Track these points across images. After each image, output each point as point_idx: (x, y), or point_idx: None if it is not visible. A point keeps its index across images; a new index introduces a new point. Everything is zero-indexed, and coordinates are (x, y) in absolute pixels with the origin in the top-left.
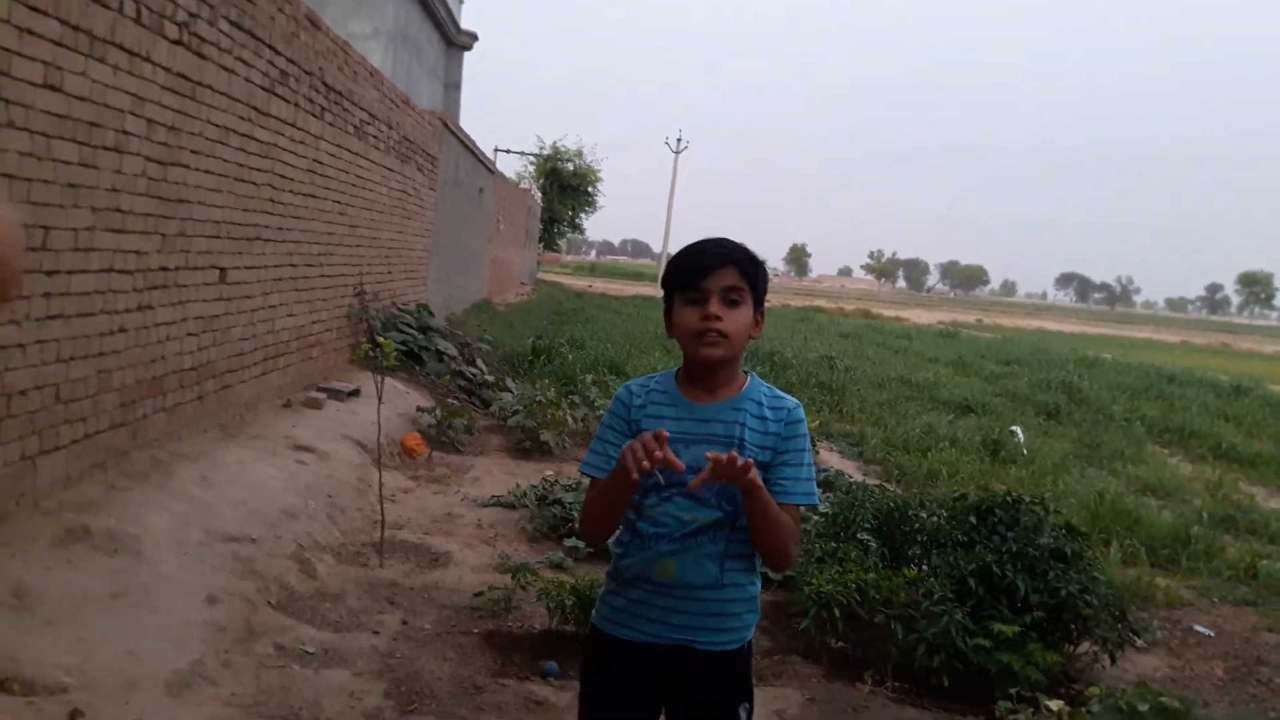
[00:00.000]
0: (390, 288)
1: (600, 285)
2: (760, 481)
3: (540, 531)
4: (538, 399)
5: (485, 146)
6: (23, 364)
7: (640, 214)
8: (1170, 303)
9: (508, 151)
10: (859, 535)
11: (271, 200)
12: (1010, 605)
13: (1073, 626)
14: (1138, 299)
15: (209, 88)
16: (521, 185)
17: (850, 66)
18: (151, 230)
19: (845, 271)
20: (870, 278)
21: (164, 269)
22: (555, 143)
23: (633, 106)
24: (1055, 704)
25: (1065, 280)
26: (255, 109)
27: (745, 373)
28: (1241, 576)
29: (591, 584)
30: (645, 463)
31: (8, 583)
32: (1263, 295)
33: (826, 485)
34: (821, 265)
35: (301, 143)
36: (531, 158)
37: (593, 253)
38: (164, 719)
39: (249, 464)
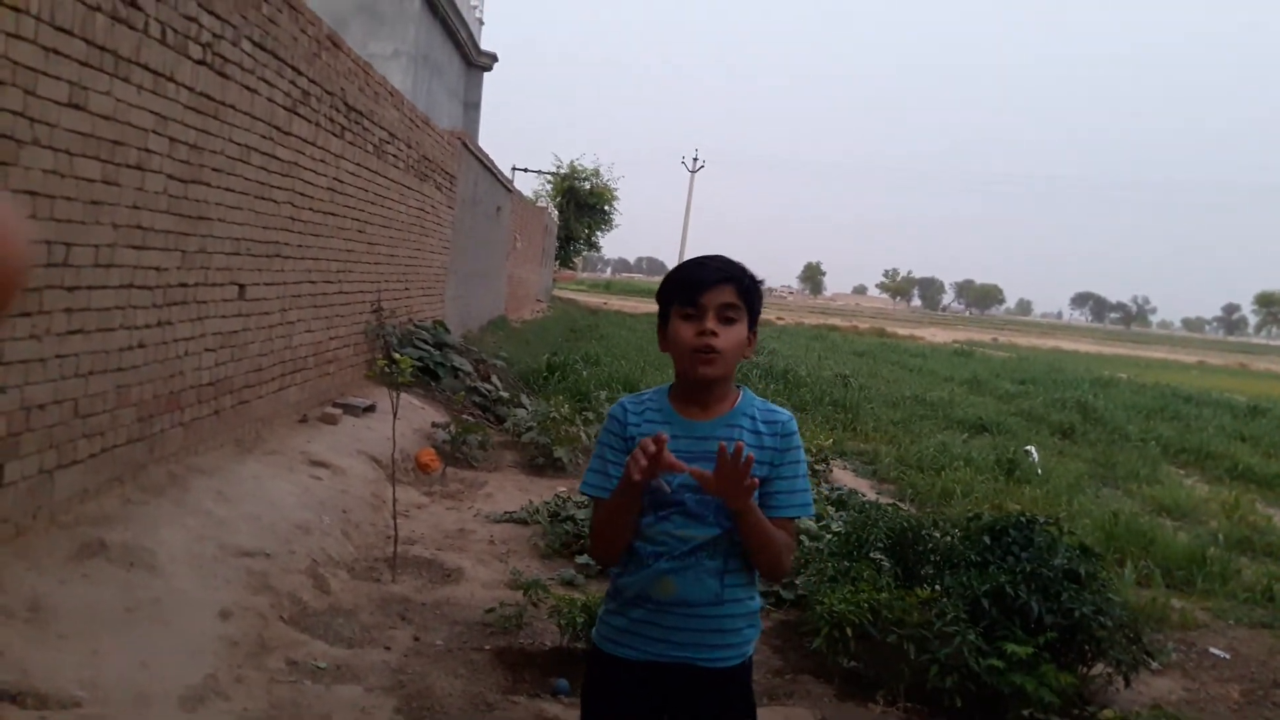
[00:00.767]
0: (407, 304)
1: (615, 302)
2: (754, 504)
3: (552, 548)
4: (552, 415)
5: (503, 165)
6: (43, 378)
7: (656, 232)
8: (1187, 323)
9: (525, 170)
10: (872, 554)
11: (291, 218)
12: (1024, 626)
13: (1087, 648)
14: (1154, 319)
15: (231, 107)
16: (539, 204)
17: (867, 87)
18: (172, 247)
19: (860, 290)
20: (885, 296)
21: (184, 285)
22: (572, 162)
23: (649, 126)
24: None
25: (1081, 299)
26: (277, 128)
27: (737, 387)
28: (1258, 599)
29: (594, 602)
30: (644, 462)
31: (23, 596)
32: None
33: (839, 504)
34: (836, 283)
35: (322, 161)
36: (549, 176)
37: (608, 270)
38: None
39: (265, 479)
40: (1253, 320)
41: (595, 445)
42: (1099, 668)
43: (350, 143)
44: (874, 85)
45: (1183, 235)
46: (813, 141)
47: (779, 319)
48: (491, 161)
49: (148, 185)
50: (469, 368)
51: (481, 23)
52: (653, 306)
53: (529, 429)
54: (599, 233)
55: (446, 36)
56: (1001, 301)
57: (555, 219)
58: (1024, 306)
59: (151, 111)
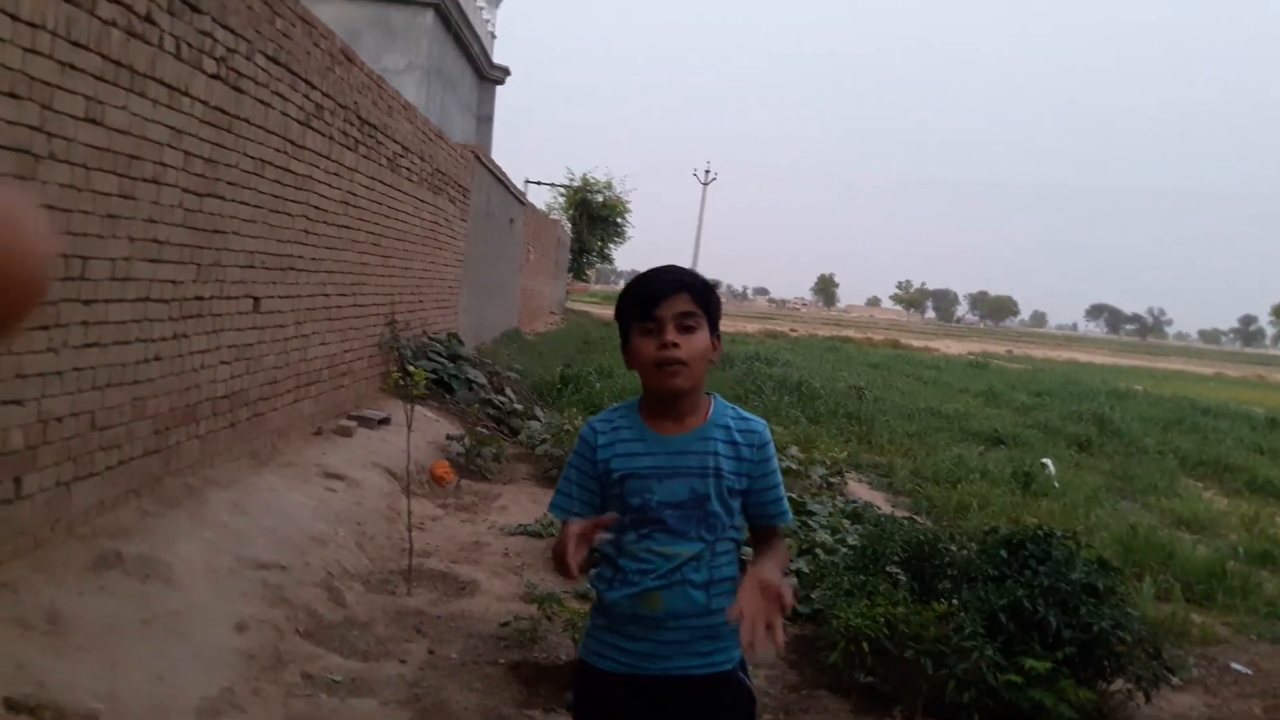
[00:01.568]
0: (421, 317)
1: None
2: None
3: None
4: (565, 428)
5: (516, 178)
6: (59, 391)
7: (668, 244)
8: (1203, 334)
9: (538, 183)
10: (888, 568)
11: (306, 231)
12: (1042, 641)
13: (1106, 663)
14: (1170, 330)
15: (246, 121)
16: (551, 216)
17: (879, 99)
18: (187, 260)
19: (874, 302)
20: (899, 308)
21: (199, 298)
22: (585, 174)
23: (662, 138)
24: None
25: (1096, 311)
26: (291, 141)
27: (708, 394)
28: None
29: (581, 615)
30: (576, 558)
31: (41, 608)
32: None
33: (855, 517)
34: (850, 295)
35: (336, 174)
36: (561, 189)
37: (621, 282)
38: None
39: (280, 491)
40: (1270, 332)
41: (566, 466)
42: (1118, 683)
43: (364, 156)
44: (887, 97)
45: (1199, 246)
46: (825, 153)
47: (792, 330)
48: (504, 174)
49: (163, 199)
50: (483, 380)
51: (494, 36)
52: None
53: (543, 441)
54: (611, 245)
55: (459, 50)
56: (1016, 313)
57: (568, 231)
58: (1039, 318)
59: (167, 126)
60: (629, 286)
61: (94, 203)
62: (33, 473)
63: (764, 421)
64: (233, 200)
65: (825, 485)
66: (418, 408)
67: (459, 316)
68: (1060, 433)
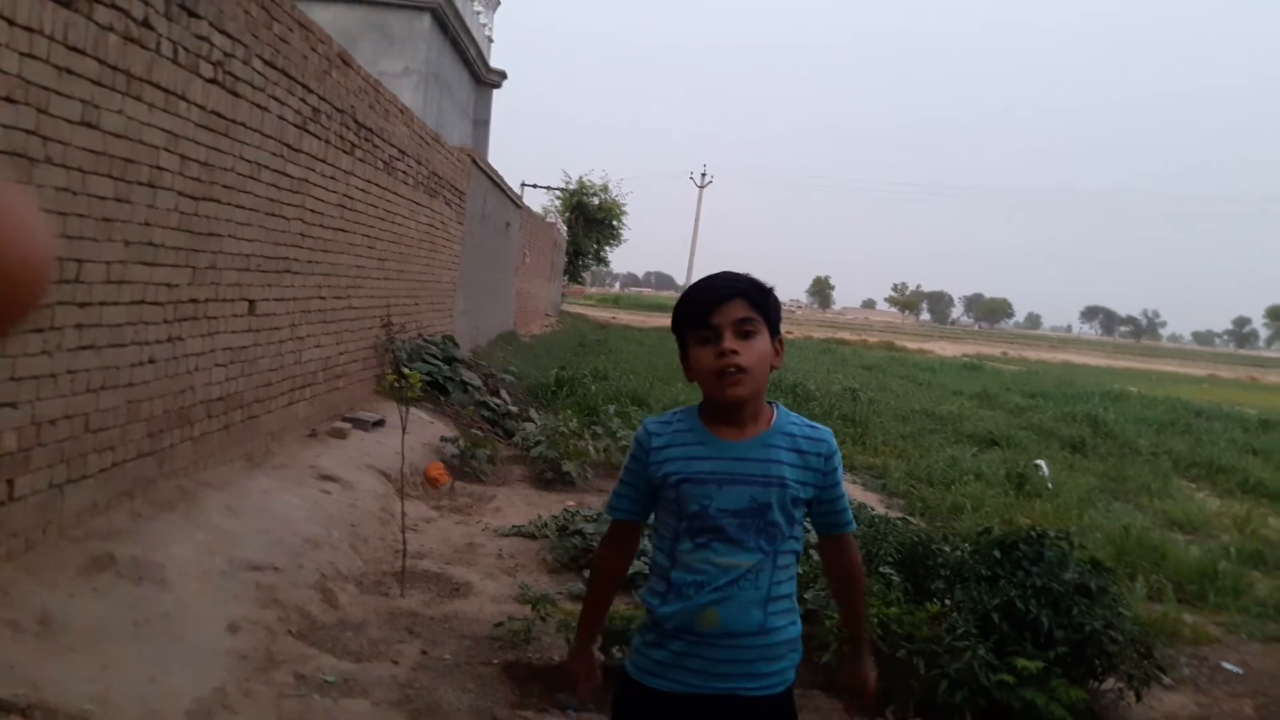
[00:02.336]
0: (417, 319)
1: (624, 317)
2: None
3: (561, 562)
4: (560, 430)
5: (512, 181)
6: (53, 394)
7: (664, 246)
8: (1197, 336)
9: (534, 186)
10: (881, 569)
11: (301, 234)
12: (1034, 641)
13: (1097, 663)
14: (1164, 332)
15: (242, 125)
16: (547, 219)
17: (874, 103)
18: (183, 263)
19: (869, 304)
20: (894, 310)
21: (194, 301)
22: (581, 177)
23: (658, 142)
24: None
25: (1090, 313)
26: (287, 145)
27: (770, 404)
28: (1271, 613)
29: (611, 616)
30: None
31: (33, 610)
32: None
33: None
34: (845, 297)
35: (332, 178)
36: (558, 192)
37: (616, 284)
38: None
39: (274, 493)
40: (1263, 333)
41: (623, 469)
42: (1110, 683)
43: (360, 160)
44: (883, 99)
45: (1193, 248)
46: (820, 156)
47: (788, 333)
48: (500, 178)
49: (159, 202)
50: (478, 382)
51: (491, 40)
52: (661, 320)
53: (538, 443)
54: (608, 248)
55: (456, 54)
56: (1010, 315)
57: (564, 234)
58: (1033, 320)
59: (163, 129)
60: (684, 297)
61: (89, 206)
62: (25, 475)
63: (830, 430)
64: (228, 203)
65: None
66: (412, 410)
67: (454, 319)
68: (1054, 434)
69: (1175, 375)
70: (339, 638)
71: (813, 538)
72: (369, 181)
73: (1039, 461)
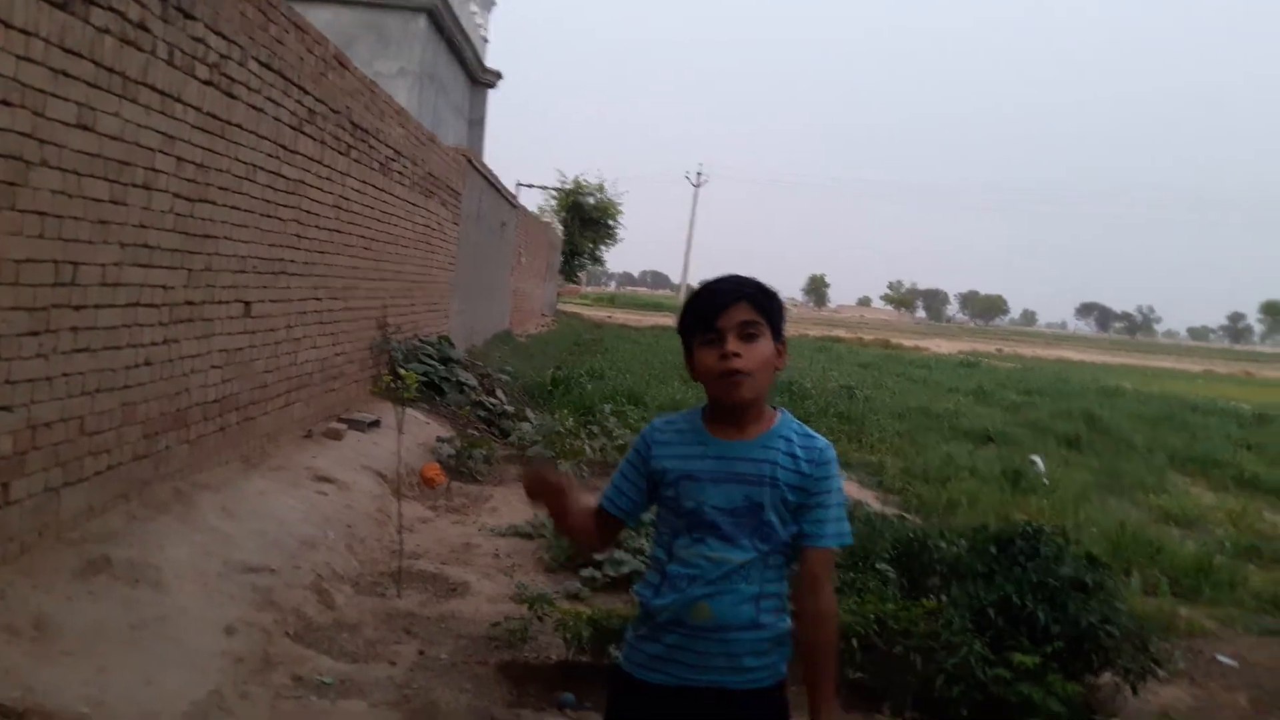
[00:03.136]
0: (412, 320)
1: (620, 316)
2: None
3: (557, 561)
4: (556, 429)
5: (508, 181)
6: (49, 397)
7: (660, 245)
8: (1192, 331)
9: (530, 186)
10: (878, 565)
11: (297, 235)
12: (1030, 636)
13: (1094, 657)
14: (1159, 328)
15: (238, 126)
16: (543, 219)
17: (869, 101)
18: (178, 265)
19: (864, 302)
20: (889, 308)
21: (190, 303)
22: (577, 177)
23: (654, 141)
24: None
25: (1085, 310)
26: (283, 146)
27: (774, 408)
28: (1266, 606)
29: (609, 614)
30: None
31: (28, 613)
32: None
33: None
34: (840, 295)
35: (328, 179)
36: (553, 192)
37: (612, 284)
38: None
39: (270, 495)
40: (1258, 329)
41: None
42: (1106, 677)
43: (356, 160)
44: (875, 97)
45: (1187, 244)
46: (816, 154)
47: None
48: (496, 178)
49: (154, 204)
50: (474, 382)
51: (486, 40)
52: (656, 319)
53: (534, 443)
54: (603, 247)
55: (451, 55)
56: (1006, 312)
57: (560, 234)
58: (1028, 317)
59: (159, 131)
60: (689, 299)
61: (85, 209)
62: (21, 478)
63: (829, 441)
64: (224, 205)
65: None
66: (408, 410)
67: (450, 319)
68: (1049, 430)
69: (1170, 371)
70: (336, 639)
71: None
72: (365, 182)
73: (1034, 458)
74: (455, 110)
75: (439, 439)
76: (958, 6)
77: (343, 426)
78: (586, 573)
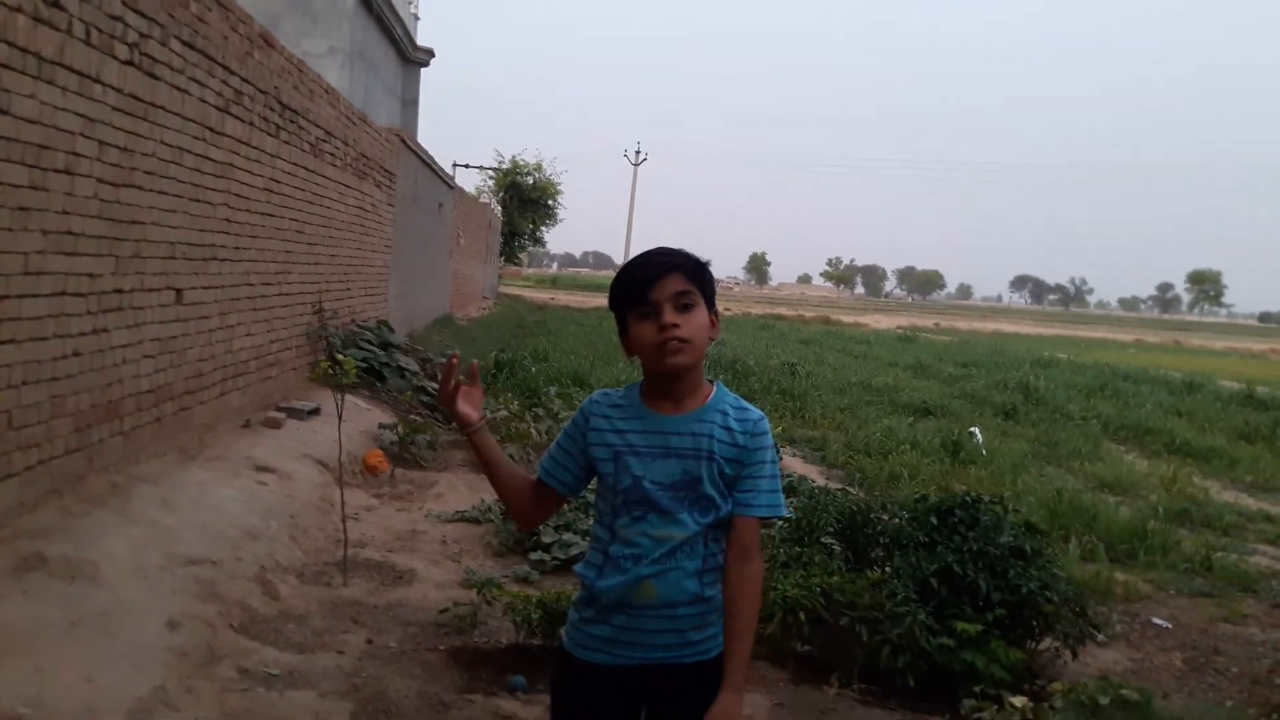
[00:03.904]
0: (349, 305)
1: (563, 297)
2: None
3: (506, 546)
4: (501, 413)
5: (444, 161)
6: None
7: (601, 226)
8: (1123, 302)
9: (466, 166)
10: (822, 539)
11: (228, 220)
12: (972, 604)
13: (1034, 623)
14: (1091, 299)
15: (161, 108)
16: (481, 200)
17: (807, 81)
18: (105, 252)
19: (805, 279)
20: (829, 284)
21: (118, 291)
22: (514, 157)
23: (592, 120)
24: (1019, 700)
25: (1020, 283)
26: (209, 129)
27: (710, 382)
28: (1197, 569)
29: (558, 597)
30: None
31: None
32: (1212, 293)
33: (790, 491)
34: (781, 273)
35: (257, 161)
36: (490, 172)
37: (554, 265)
38: None
39: (209, 486)
40: (1186, 298)
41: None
42: (1047, 642)
43: (286, 142)
44: (812, 75)
45: (1119, 217)
46: (754, 133)
47: (726, 310)
48: (431, 158)
49: (77, 190)
50: (415, 367)
51: (417, 18)
52: (600, 300)
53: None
54: (543, 228)
55: (382, 33)
56: (942, 287)
57: (499, 215)
58: (964, 291)
59: (78, 114)
60: (621, 273)
61: (2, 195)
62: None
63: (762, 413)
64: (151, 190)
65: None
66: (349, 397)
67: (389, 303)
68: (987, 402)
69: (1103, 341)
70: (282, 630)
71: None
72: (295, 164)
73: (973, 429)
74: (387, 90)
75: (381, 425)
76: None
77: (281, 415)
78: (535, 556)
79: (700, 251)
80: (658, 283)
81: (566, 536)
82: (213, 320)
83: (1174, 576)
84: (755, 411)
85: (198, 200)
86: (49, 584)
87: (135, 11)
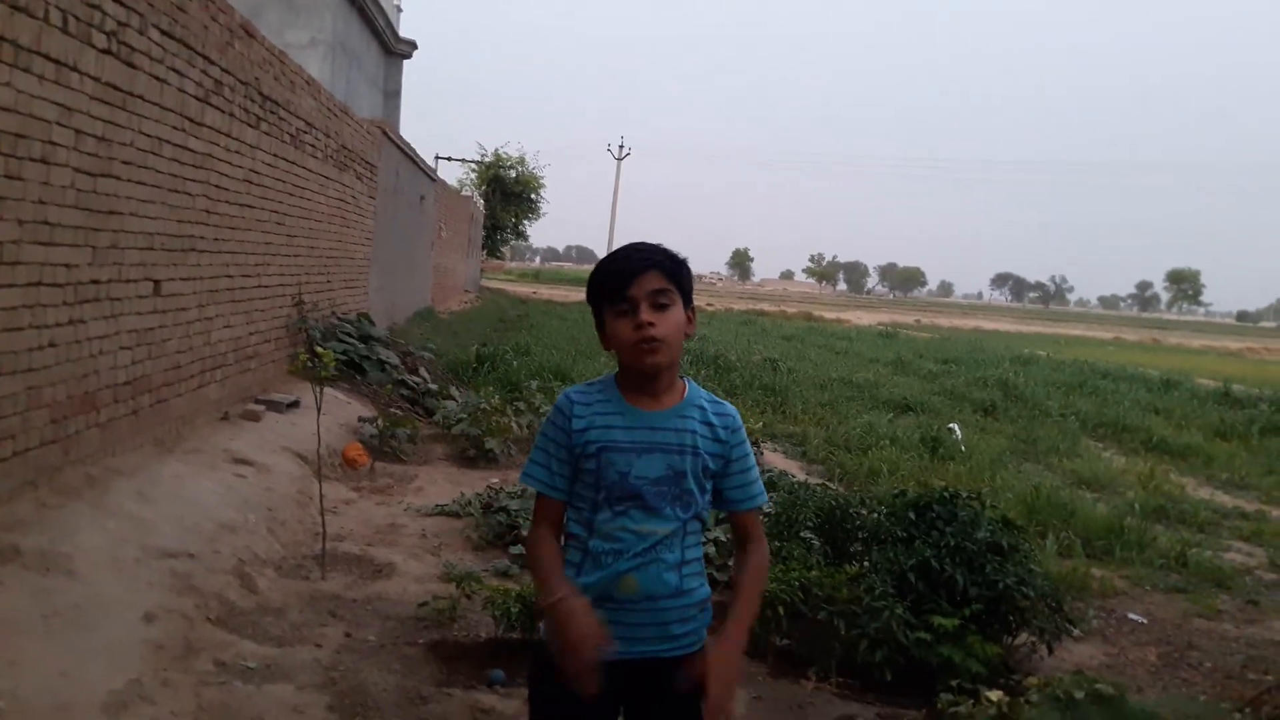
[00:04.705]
0: (330, 297)
1: (545, 291)
2: (734, 642)
3: (485, 540)
4: (482, 407)
5: (426, 154)
6: None
7: (584, 220)
8: (1103, 300)
9: (449, 159)
10: (802, 534)
11: (207, 211)
12: (950, 599)
13: (1011, 618)
14: (1071, 297)
15: (140, 98)
16: (464, 193)
17: (792, 79)
18: (82, 243)
19: (787, 275)
20: (812, 281)
21: (95, 282)
22: (497, 150)
23: (576, 114)
24: (995, 694)
25: (1000, 280)
26: (189, 119)
27: (682, 378)
28: (1172, 565)
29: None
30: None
31: None
32: (1190, 292)
33: (770, 485)
34: (764, 269)
35: (237, 152)
36: (473, 165)
37: (537, 259)
38: None
39: (187, 478)
40: (1164, 297)
41: (538, 435)
42: (1023, 637)
43: (266, 133)
44: (796, 74)
45: (1099, 216)
46: (739, 129)
47: (709, 305)
48: (413, 150)
49: (54, 179)
50: (396, 360)
51: (400, 9)
52: (582, 295)
53: (459, 421)
54: (526, 221)
55: (364, 24)
56: (924, 284)
57: (481, 208)
58: (946, 288)
59: (55, 103)
60: (598, 268)
61: None
62: None
63: (735, 408)
64: (129, 180)
65: None
66: (328, 390)
67: (369, 296)
68: (966, 398)
69: (1082, 339)
70: (259, 623)
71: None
72: (276, 155)
73: (952, 425)
74: (369, 82)
75: (361, 419)
76: None
77: (260, 408)
78: (515, 550)
79: (683, 247)
80: (635, 280)
81: None
82: (191, 312)
83: (1149, 572)
84: (729, 405)
85: (176, 191)
86: (23, 576)
87: (114, 0)
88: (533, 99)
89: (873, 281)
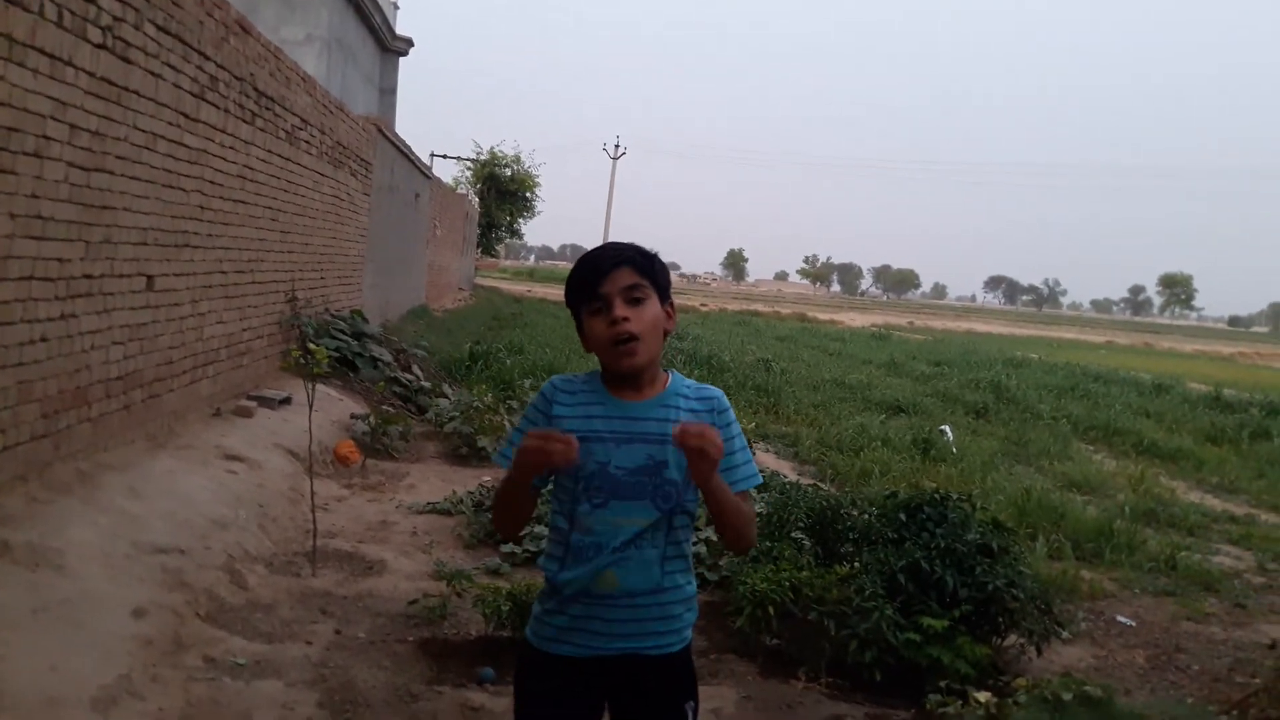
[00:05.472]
0: (323, 294)
1: (539, 290)
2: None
3: (477, 538)
4: (475, 405)
5: (421, 152)
6: None
7: (579, 219)
8: (1095, 304)
9: (444, 157)
10: (793, 534)
11: (201, 206)
12: (939, 600)
13: (1000, 620)
14: (1064, 300)
15: (135, 93)
16: (459, 191)
17: (788, 80)
18: (75, 238)
19: (781, 276)
20: (806, 282)
21: (88, 276)
22: (493, 148)
23: (572, 113)
24: (983, 696)
25: (994, 283)
26: (184, 114)
27: (665, 370)
28: (1162, 568)
29: (528, 589)
30: (547, 451)
31: None
32: (1183, 296)
33: (762, 486)
34: (758, 270)
35: (231, 148)
36: (469, 163)
37: (531, 257)
38: None
39: (178, 474)
40: (1157, 301)
41: (520, 419)
42: (1012, 638)
43: (261, 129)
44: (792, 75)
45: (1092, 220)
46: (734, 130)
47: (703, 305)
48: (409, 148)
49: (47, 174)
50: (389, 358)
51: (396, 7)
52: None
53: (452, 419)
54: (521, 220)
55: (360, 21)
56: (917, 286)
57: (476, 206)
58: (939, 290)
59: (49, 97)
60: (572, 271)
61: None
62: None
63: (720, 390)
64: (123, 175)
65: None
66: (321, 387)
67: (363, 293)
68: (958, 400)
69: (1075, 342)
70: (249, 619)
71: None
72: (270, 152)
73: (944, 427)
74: (365, 78)
75: (353, 416)
76: None
77: (252, 404)
78: (506, 548)
79: (678, 246)
80: (607, 277)
81: (537, 529)
82: (184, 307)
83: (1139, 575)
84: (714, 389)
85: (170, 186)
86: (13, 571)
87: None
88: (530, 98)
89: (867, 283)
